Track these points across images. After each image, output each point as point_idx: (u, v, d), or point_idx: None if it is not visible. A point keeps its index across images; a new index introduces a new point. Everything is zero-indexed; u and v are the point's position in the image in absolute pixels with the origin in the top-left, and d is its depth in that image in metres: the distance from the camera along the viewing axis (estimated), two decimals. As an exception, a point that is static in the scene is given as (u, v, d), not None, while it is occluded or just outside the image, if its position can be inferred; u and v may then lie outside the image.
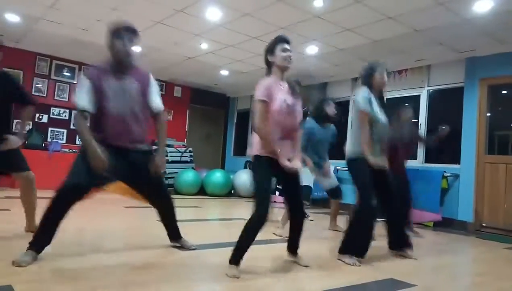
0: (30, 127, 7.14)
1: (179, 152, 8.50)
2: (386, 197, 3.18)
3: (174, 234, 3.06)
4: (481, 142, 5.43)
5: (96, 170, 2.42)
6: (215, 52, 6.36)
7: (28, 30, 5.92)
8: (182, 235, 3.07)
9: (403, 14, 4.42)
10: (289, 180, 2.65)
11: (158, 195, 2.92)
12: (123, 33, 2.60)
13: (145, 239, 3.34)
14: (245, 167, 9.03)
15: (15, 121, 4.44)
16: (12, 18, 5.45)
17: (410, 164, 6.18)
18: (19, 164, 3.06)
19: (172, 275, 2.37)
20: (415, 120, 6.28)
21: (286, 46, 2.56)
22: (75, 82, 7.55)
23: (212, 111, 10.12)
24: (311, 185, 4.26)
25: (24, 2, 4.87)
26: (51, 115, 7.42)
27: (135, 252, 2.88)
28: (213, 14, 4.84)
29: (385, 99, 3.37)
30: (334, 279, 2.53)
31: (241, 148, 9.82)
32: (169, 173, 8.11)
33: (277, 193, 6.03)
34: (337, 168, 6.54)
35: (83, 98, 2.50)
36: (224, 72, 7.80)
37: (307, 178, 4.03)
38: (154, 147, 2.81)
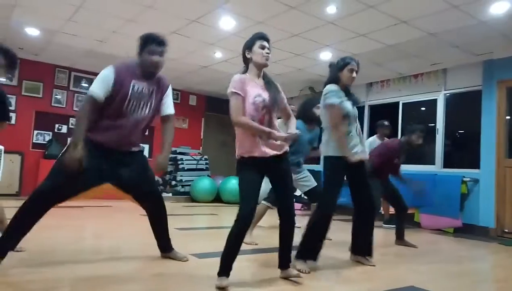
0: (50, 138, 7.31)
1: (195, 159, 8.56)
2: (360, 196, 3.10)
3: (164, 244, 2.92)
4: (501, 146, 5.31)
5: (67, 168, 2.31)
6: (229, 60, 6.41)
7: (47, 43, 6.09)
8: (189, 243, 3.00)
9: (417, 18, 4.39)
10: (279, 180, 2.53)
11: (148, 194, 2.79)
12: (155, 46, 2.55)
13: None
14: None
15: None
16: (32, 32, 5.62)
17: (428, 169, 6.11)
18: None
19: (187, 281, 2.38)
20: (432, 124, 6.19)
21: (265, 43, 2.48)
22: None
23: (227, 119, 9.86)
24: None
25: (43, 16, 5.01)
26: (70, 126, 7.58)
27: (153, 261, 2.89)
28: (227, 23, 4.89)
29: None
30: (353, 286, 2.49)
31: (256, 155, 9.78)
32: (185, 181, 8.20)
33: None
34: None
35: (100, 87, 2.43)
36: (238, 80, 7.82)
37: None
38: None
